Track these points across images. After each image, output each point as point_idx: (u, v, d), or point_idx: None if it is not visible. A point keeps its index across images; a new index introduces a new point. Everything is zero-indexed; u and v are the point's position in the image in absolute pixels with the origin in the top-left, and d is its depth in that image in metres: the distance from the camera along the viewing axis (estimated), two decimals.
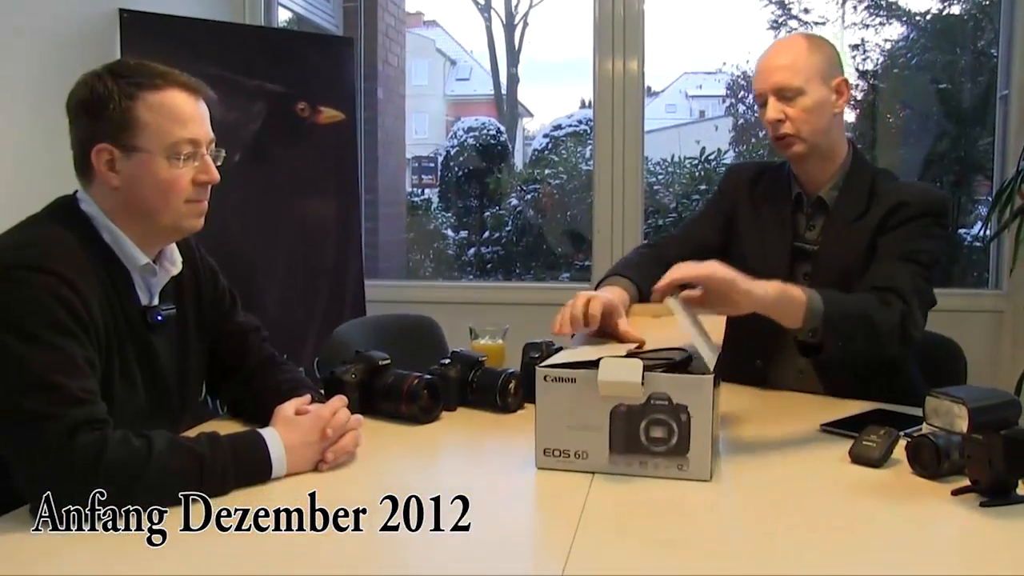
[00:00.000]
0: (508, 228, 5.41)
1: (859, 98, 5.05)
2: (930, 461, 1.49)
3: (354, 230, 3.69)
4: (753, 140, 5.54)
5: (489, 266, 5.41)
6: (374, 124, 4.74)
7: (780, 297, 1.71)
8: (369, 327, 2.58)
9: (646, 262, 2.09)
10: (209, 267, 1.78)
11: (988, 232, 3.41)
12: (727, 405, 1.78)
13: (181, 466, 1.36)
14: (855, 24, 4.88)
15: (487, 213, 5.50)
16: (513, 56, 5.91)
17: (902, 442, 1.57)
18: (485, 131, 5.73)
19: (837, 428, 1.76)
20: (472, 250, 5.51)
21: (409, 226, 5.50)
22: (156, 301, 1.60)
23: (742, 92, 5.61)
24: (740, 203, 2.19)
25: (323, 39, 4.26)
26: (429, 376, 1.86)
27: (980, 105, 4.27)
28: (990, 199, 3.63)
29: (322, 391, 1.79)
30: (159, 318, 1.58)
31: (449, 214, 5.69)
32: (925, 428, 1.66)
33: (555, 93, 8.40)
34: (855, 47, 4.90)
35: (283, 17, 4.34)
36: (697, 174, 5.12)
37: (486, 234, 5.46)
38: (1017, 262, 3.26)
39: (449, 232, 5.65)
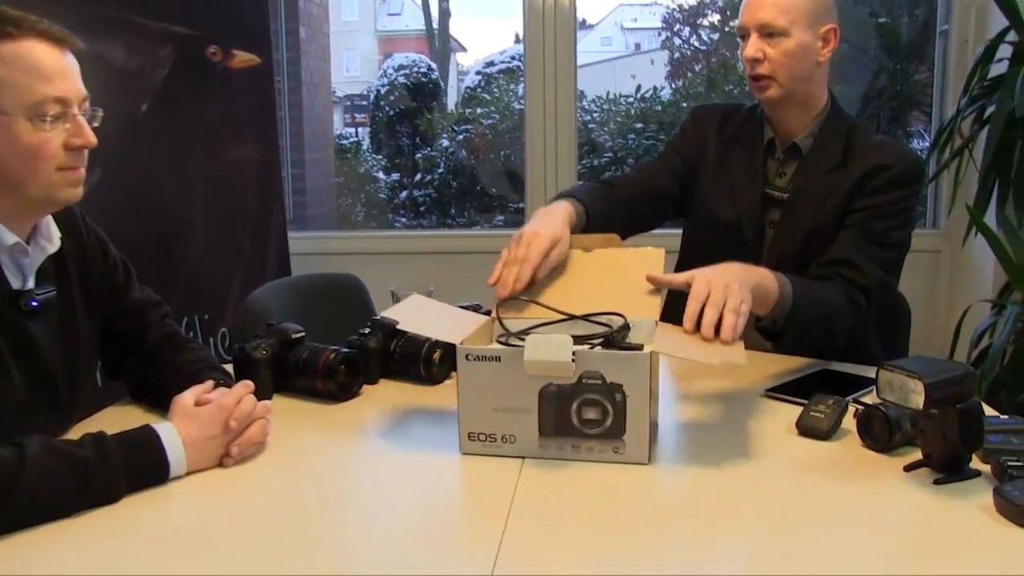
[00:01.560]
0: (440, 170, 5.25)
1: None
2: (881, 434, 1.40)
3: (275, 181, 3.49)
4: (689, 74, 5.42)
5: (422, 208, 5.26)
6: (297, 66, 4.52)
7: (757, 287, 1.61)
8: (288, 290, 2.41)
9: (597, 191, 2.00)
10: (97, 239, 1.61)
11: (929, 173, 3.33)
12: (667, 367, 1.68)
13: (61, 474, 1.21)
14: None
15: (419, 155, 5.32)
16: None
17: (852, 408, 1.49)
18: (416, 69, 5.51)
19: (781, 394, 1.67)
20: (404, 193, 5.34)
21: (338, 170, 5.30)
22: (31, 284, 1.43)
23: (678, 25, 5.47)
24: (706, 147, 2.09)
25: None
26: (347, 350, 1.71)
27: (918, 39, 4.19)
28: (924, 133, 3.56)
29: (231, 371, 1.65)
30: (34, 303, 1.41)
31: (380, 156, 5.49)
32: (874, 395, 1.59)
33: (489, 27, 8.10)
34: None
35: None
36: (633, 112, 4.99)
37: (418, 176, 5.29)
38: (956, 202, 3.20)
39: (380, 175, 5.46)
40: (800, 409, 1.54)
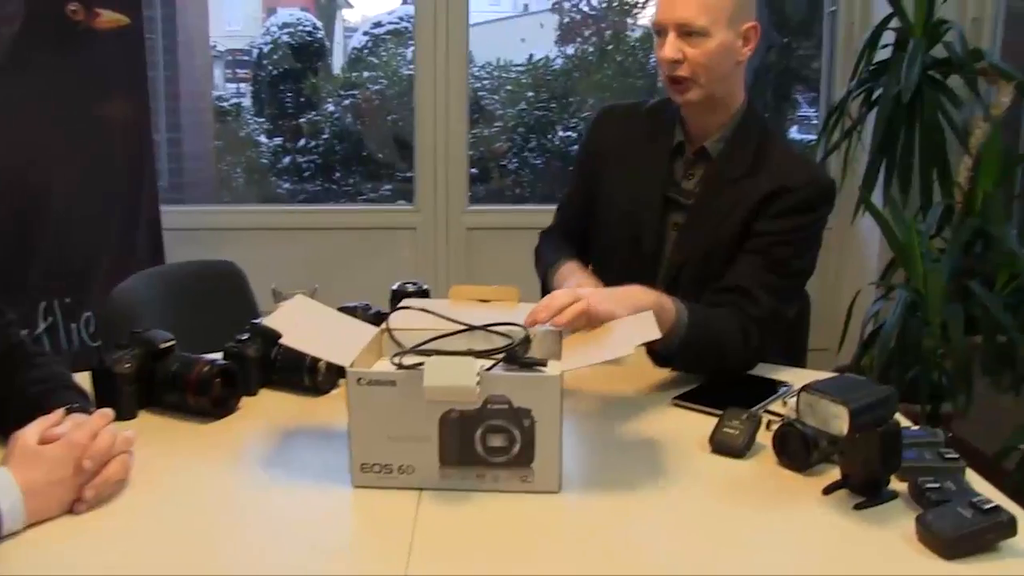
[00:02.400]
0: (326, 135, 5.05)
1: None
2: (798, 452, 1.35)
3: (146, 152, 3.25)
4: (579, 39, 5.32)
5: (307, 175, 5.05)
6: (172, 24, 4.25)
7: (658, 308, 1.55)
8: (158, 281, 2.22)
9: (565, 246, 2.00)
10: None
11: (818, 155, 3.35)
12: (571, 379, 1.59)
13: None
14: None
15: (303, 119, 5.10)
16: None
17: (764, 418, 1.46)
18: (301, 27, 5.27)
19: (690, 402, 1.60)
20: (288, 158, 5.12)
21: (218, 133, 5.03)
22: None
23: None
24: (609, 148, 1.97)
25: None
26: (223, 360, 1.57)
27: (807, 17, 4.19)
28: (806, 107, 3.59)
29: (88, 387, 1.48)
30: None
31: (262, 119, 5.25)
32: (787, 406, 1.54)
33: None
34: None
35: None
36: (524, 80, 4.87)
37: (302, 142, 5.08)
38: (845, 182, 3.21)
39: (262, 139, 5.21)
40: (711, 420, 1.48)
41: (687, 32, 1.73)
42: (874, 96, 3.08)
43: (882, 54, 3.14)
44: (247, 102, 5.27)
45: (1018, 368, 2.58)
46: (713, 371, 1.71)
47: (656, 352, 1.72)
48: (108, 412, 1.29)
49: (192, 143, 4.57)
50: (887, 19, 3.11)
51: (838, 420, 1.17)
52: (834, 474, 1.32)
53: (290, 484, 1.33)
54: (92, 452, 1.20)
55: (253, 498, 1.31)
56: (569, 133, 4.83)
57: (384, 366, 1.39)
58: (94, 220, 3.10)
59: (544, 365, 1.37)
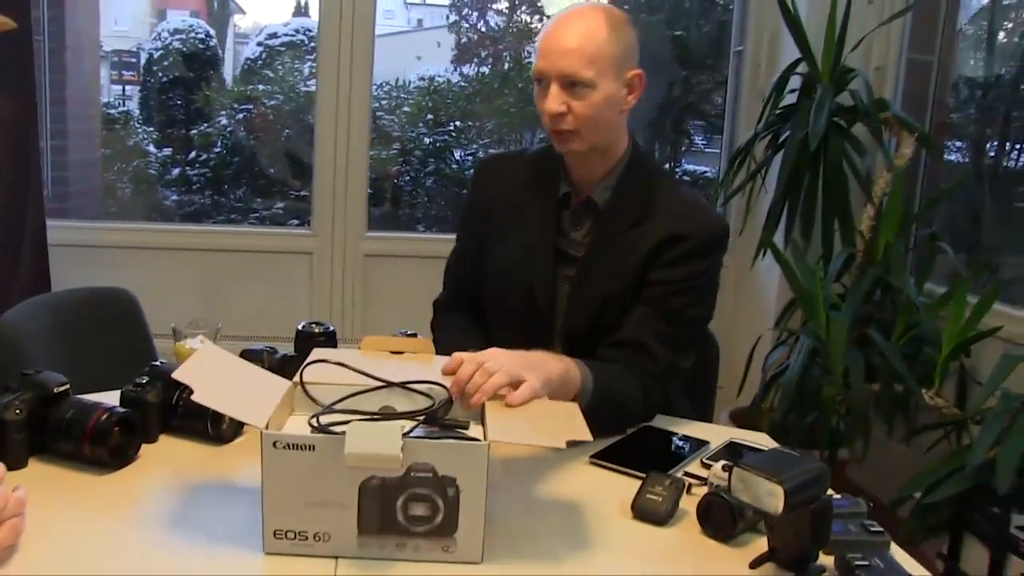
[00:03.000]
0: (218, 148, 4.89)
1: None
2: (724, 523, 1.33)
3: (33, 164, 3.11)
4: (475, 60, 5.30)
5: (196, 187, 4.89)
6: (61, 24, 4.05)
7: (561, 382, 1.52)
8: (46, 311, 2.08)
9: (460, 320, 1.98)
10: None
11: (720, 198, 3.39)
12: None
13: None
14: None
15: (194, 131, 4.93)
16: None
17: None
18: (193, 34, 5.11)
19: (609, 462, 1.57)
20: (177, 170, 4.95)
21: (105, 141, 4.83)
22: None
23: (466, 10, 5.34)
24: (494, 200, 1.91)
25: None
26: (121, 409, 1.46)
27: (710, 53, 4.26)
28: (701, 140, 3.64)
29: None
30: None
31: (151, 128, 5.05)
32: (700, 463, 1.55)
33: None
34: None
35: None
36: (425, 103, 4.82)
37: (193, 154, 4.91)
38: (747, 224, 3.26)
39: (151, 148, 5.02)
40: (630, 481, 1.46)
41: (571, 84, 1.67)
42: (780, 139, 3.13)
43: (788, 98, 3.20)
44: (135, 109, 5.09)
45: (911, 417, 2.65)
46: (612, 431, 1.67)
47: None
48: None
49: (78, 151, 4.37)
50: (795, 64, 3.16)
51: (772, 498, 1.15)
52: (758, 544, 1.30)
53: (197, 546, 1.24)
54: None
55: (158, 561, 1.21)
56: (467, 158, 4.81)
57: (297, 424, 1.33)
58: None
59: (466, 428, 1.33)
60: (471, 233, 1.97)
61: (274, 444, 1.17)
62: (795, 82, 3.20)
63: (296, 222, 4.55)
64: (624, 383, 1.68)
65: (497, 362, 1.38)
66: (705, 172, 4.78)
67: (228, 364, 1.40)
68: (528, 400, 1.35)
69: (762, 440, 1.73)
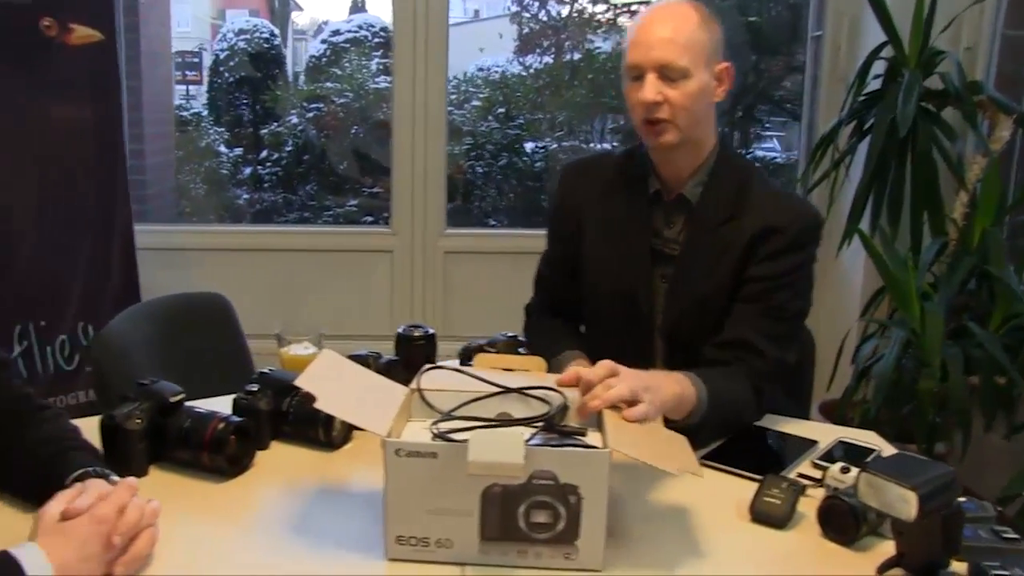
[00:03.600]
0: (289, 148, 4.95)
1: None
2: (847, 526, 1.31)
3: (119, 171, 3.16)
4: (538, 49, 5.29)
5: (267, 186, 4.95)
6: (135, 32, 4.12)
7: (676, 403, 1.52)
8: (147, 317, 2.11)
9: (555, 327, 1.95)
10: None
11: (806, 185, 3.33)
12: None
13: None
14: None
15: (264, 130, 5.00)
16: None
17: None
18: (258, 34, 5.17)
19: (722, 463, 1.55)
20: (248, 169, 5.02)
21: (178, 143, 4.91)
22: None
23: (527, 0, 5.32)
24: (581, 206, 1.89)
25: None
26: (236, 418, 1.48)
27: (784, 38, 4.20)
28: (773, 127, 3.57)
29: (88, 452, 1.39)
30: None
31: (221, 128, 5.13)
32: (811, 464, 1.53)
33: None
34: None
35: None
36: (495, 96, 4.82)
37: (264, 153, 4.97)
38: (830, 213, 3.20)
39: (222, 148, 5.10)
40: (742, 483, 1.45)
41: (668, 76, 1.68)
42: (865, 126, 3.06)
43: (872, 84, 3.13)
44: (203, 110, 5.16)
45: (1014, 411, 2.58)
46: (727, 435, 1.66)
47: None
48: (133, 483, 1.22)
49: (154, 154, 4.45)
50: (879, 48, 3.08)
51: (905, 505, 1.12)
52: (881, 547, 1.29)
53: (319, 551, 1.26)
54: (122, 527, 1.14)
55: (282, 566, 1.23)
56: (539, 150, 4.80)
57: (415, 430, 1.33)
58: (66, 240, 3.01)
59: (583, 435, 1.32)
60: (559, 240, 1.96)
61: (397, 452, 1.18)
62: (879, 67, 3.12)
63: (370, 219, 4.59)
64: (735, 387, 1.66)
65: (619, 377, 1.38)
66: (775, 158, 4.72)
67: (347, 370, 1.42)
68: (641, 419, 1.34)
69: (871, 439, 1.70)
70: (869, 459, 1.51)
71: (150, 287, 3.16)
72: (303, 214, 4.89)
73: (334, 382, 1.33)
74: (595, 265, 1.86)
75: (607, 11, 4.99)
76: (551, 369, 1.56)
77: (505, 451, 1.15)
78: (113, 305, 3.02)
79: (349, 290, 3.66)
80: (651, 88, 1.68)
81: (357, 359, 1.67)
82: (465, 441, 1.16)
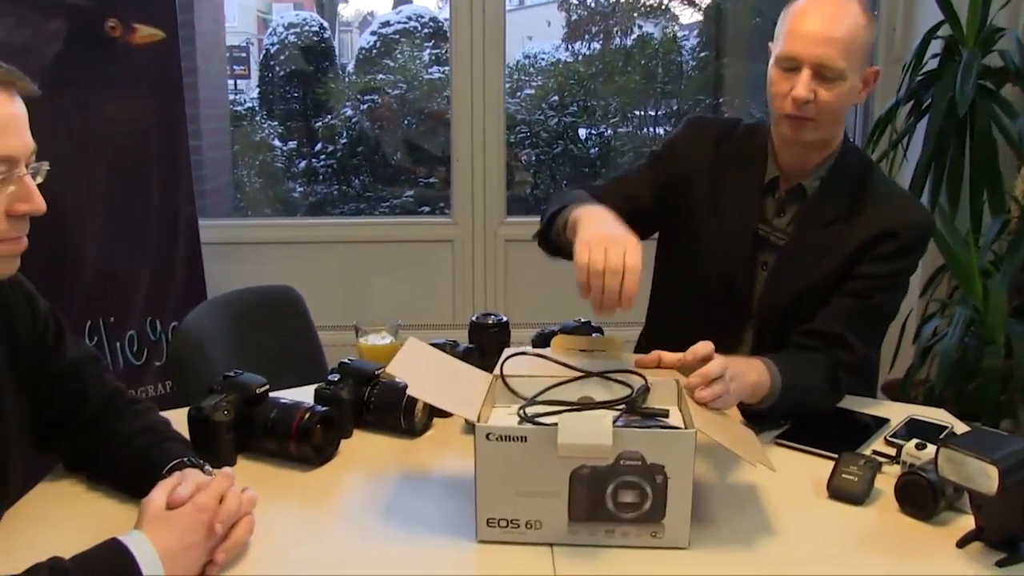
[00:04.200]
0: (343, 140, 5.01)
1: (707, 3, 4.88)
2: (925, 501, 1.33)
3: (183, 168, 3.21)
4: (587, 36, 5.29)
5: (322, 178, 5.02)
6: (190, 29, 4.20)
7: (752, 391, 1.53)
8: (221, 311, 2.17)
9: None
10: (24, 295, 1.36)
11: None
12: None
13: None
14: None
15: (318, 123, 5.05)
16: None
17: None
18: (307, 27, 5.22)
19: (793, 441, 1.58)
20: (303, 162, 5.08)
21: (234, 138, 4.99)
22: None
23: None
24: (698, 167, 1.86)
25: None
26: (321, 407, 1.53)
27: None
28: None
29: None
30: None
31: (274, 122, 5.19)
32: (884, 441, 1.56)
33: None
34: None
35: None
36: (550, 84, 4.83)
37: (318, 146, 5.03)
38: None
39: (276, 143, 5.16)
40: (817, 461, 1.49)
41: (823, 73, 1.63)
42: (924, 106, 3.05)
43: (929, 63, 3.11)
44: (254, 103, 5.22)
45: None
46: (795, 418, 1.67)
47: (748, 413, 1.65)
48: (230, 473, 1.27)
49: (211, 149, 4.53)
50: (936, 27, 3.06)
51: (987, 479, 1.15)
52: (959, 522, 1.31)
53: (410, 535, 1.31)
54: (223, 516, 1.19)
55: (377, 552, 1.28)
56: (593, 136, 4.81)
57: (500, 415, 1.37)
58: (133, 237, 3.07)
59: (666, 416, 1.35)
60: (660, 173, 1.91)
61: (487, 436, 1.22)
62: (936, 46, 3.10)
63: (426, 209, 4.63)
64: (812, 377, 1.68)
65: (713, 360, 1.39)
66: None
67: (432, 358, 1.46)
68: (711, 400, 1.36)
69: (941, 416, 1.72)
70: (943, 435, 1.54)
71: (213, 281, 3.23)
72: (358, 205, 4.94)
73: (422, 369, 1.38)
74: (702, 240, 1.84)
75: None
76: (567, 211, 1.60)
77: (593, 433, 1.18)
78: (179, 300, 3.09)
79: (411, 280, 3.71)
80: (805, 85, 1.63)
81: (435, 347, 1.72)
82: (554, 425, 1.19)
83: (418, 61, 5.02)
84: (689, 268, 1.87)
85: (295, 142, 5.11)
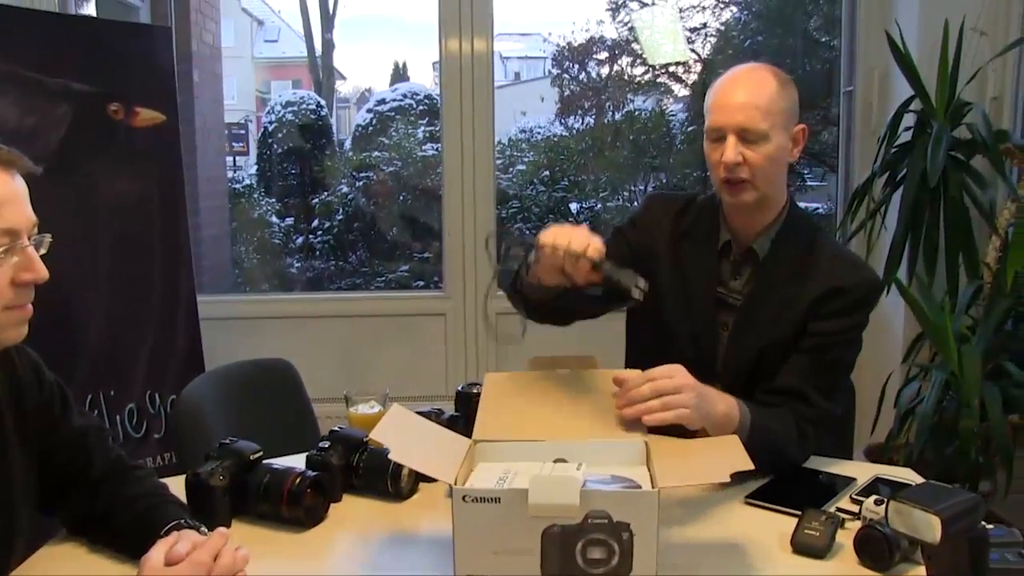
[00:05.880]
0: (339, 216, 5.11)
1: (693, 80, 5.02)
2: (881, 554, 1.40)
3: (183, 243, 3.31)
4: (579, 111, 5.42)
5: (318, 253, 5.11)
6: (190, 110, 4.34)
7: (724, 421, 1.66)
8: (219, 382, 2.26)
9: None
10: (31, 365, 1.46)
11: (841, 236, 3.43)
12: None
13: None
14: (692, 7, 4.83)
15: (315, 200, 5.16)
16: (327, 20, 5.47)
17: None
18: (304, 106, 5.35)
19: (763, 501, 1.65)
20: (300, 238, 5.18)
21: (233, 214, 5.10)
22: None
23: (567, 63, 5.48)
24: (659, 240, 1.97)
25: (136, 28, 3.77)
26: (312, 472, 1.61)
27: (816, 94, 4.30)
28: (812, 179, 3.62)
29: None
30: None
31: (272, 199, 5.30)
32: (849, 499, 1.62)
33: (368, 50, 7.81)
34: (694, 31, 4.86)
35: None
36: (540, 160, 4.96)
37: (315, 222, 5.14)
38: (869, 263, 3.28)
39: (274, 219, 5.27)
40: (786, 519, 1.55)
41: (747, 136, 1.77)
42: (898, 177, 3.16)
43: (904, 135, 3.23)
44: (252, 180, 5.30)
45: None
46: (768, 471, 1.72)
47: None
48: (225, 531, 1.35)
49: (210, 227, 4.64)
50: (908, 101, 3.19)
51: (931, 529, 1.21)
52: (914, 572, 1.38)
53: None
54: (216, 572, 1.26)
55: None
56: (584, 211, 4.90)
57: (480, 476, 1.44)
58: (135, 311, 3.15)
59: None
60: (624, 243, 2.00)
61: (464, 498, 1.29)
62: (909, 119, 3.23)
63: (421, 283, 4.72)
64: (780, 424, 1.76)
65: (674, 382, 1.57)
66: (817, 208, 4.81)
67: (414, 424, 1.53)
68: (663, 423, 1.51)
69: (907, 475, 1.79)
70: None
71: (211, 355, 3.30)
72: (354, 280, 5.03)
73: (404, 434, 1.45)
74: (669, 304, 1.93)
75: (646, 72, 5.14)
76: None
77: (562, 494, 1.26)
78: (178, 374, 3.15)
79: (404, 353, 3.77)
80: (732, 150, 1.77)
81: (421, 415, 1.80)
82: (525, 489, 1.27)
83: (412, 138, 5.14)
84: (660, 335, 1.95)
85: (292, 218, 5.21)
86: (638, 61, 5.21)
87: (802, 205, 4.73)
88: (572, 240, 1.56)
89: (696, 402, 1.57)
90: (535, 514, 1.26)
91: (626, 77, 5.27)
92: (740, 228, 1.91)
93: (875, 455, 2.96)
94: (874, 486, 1.70)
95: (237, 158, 5.47)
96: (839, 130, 3.90)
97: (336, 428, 1.77)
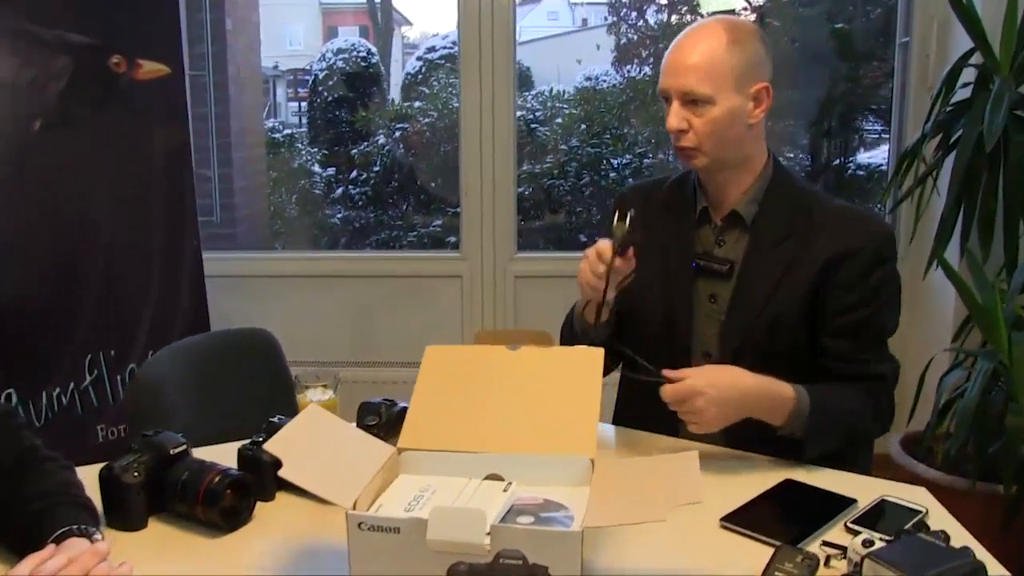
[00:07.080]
0: (377, 168, 4.97)
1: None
2: None
3: (188, 201, 3.21)
4: (636, 60, 5.18)
5: (359, 203, 4.99)
6: (223, 59, 4.22)
7: (756, 397, 1.60)
8: (186, 355, 2.11)
9: None
10: None
11: (888, 203, 3.16)
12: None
13: None
14: None
15: (354, 150, 5.03)
16: None
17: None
18: (355, 53, 5.20)
19: (740, 525, 1.44)
20: (340, 189, 5.06)
21: (271, 164, 4.98)
22: None
23: (624, 10, 5.23)
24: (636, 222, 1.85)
25: None
26: (235, 471, 1.45)
27: (875, 45, 4.01)
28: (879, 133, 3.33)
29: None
30: None
31: (314, 148, 5.19)
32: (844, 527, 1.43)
33: None
34: None
35: None
36: (578, 113, 4.73)
37: (353, 173, 5.01)
38: (916, 232, 3.02)
39: (316, 168, 5.15)
40: (763, 549, 1.34)
41: (691, 100, 1.66)
42: (952, 139, 2.87)
43: (961, 92, 2.93)
44: (303, 129, 5.20)
45: None
46: (844, 450, 1.70)
47: (786, 439, 1.65)
48: (99, 550, 1.20)
49: (243, 177, 4.54)
50: (967, 54, 2.89)
51: None
52: None
53: None
54: None
55: None
56: (624, 167, 4.69)
57: (401, 491, 1.27)
58: (138, 270, 3.07)
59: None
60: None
61: (359, 525, 1.13)
62: (969, 74, 2.93)
63: (453, 239, 4.57)
64: (850, 398, 1.69)
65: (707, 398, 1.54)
66: (880, 165, 4.52)
67: (329, 431, 1.36)
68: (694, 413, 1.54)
69: (920, 497, 1.55)
70: (909, 524, 1.40)
71: (220, 314, 3.22)
72: (392, 233, 4.91)
73: (311, 445, 1.28)
74: (643, 278, 1.78)
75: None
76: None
77: (468, 530, 1.08)
78: (183, 334, 3.04)
79: (420, 316, 3.63)
80: (675, 116, 1.69)
81: (369, 407, 1.64)
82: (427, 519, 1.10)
83: (449, 88, 4.96)
84: (635, 314, 1.83)
85: (333, 169, 5.10)
86: (694, 11, 4.95)
87: (864, 162, 4.50)
88: (587, 268, 1.67)
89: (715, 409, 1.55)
90: (436, 549, 1.09)
91: (684, 24, 4.99)
92: (716, 193, 1.80)
93: (911, 446, 2.72)
94: (878, 510, 1.49)
95: (291, 104, 5.32)
96: (893, 85, 3.60)
97: (274, 419, 1.61)
